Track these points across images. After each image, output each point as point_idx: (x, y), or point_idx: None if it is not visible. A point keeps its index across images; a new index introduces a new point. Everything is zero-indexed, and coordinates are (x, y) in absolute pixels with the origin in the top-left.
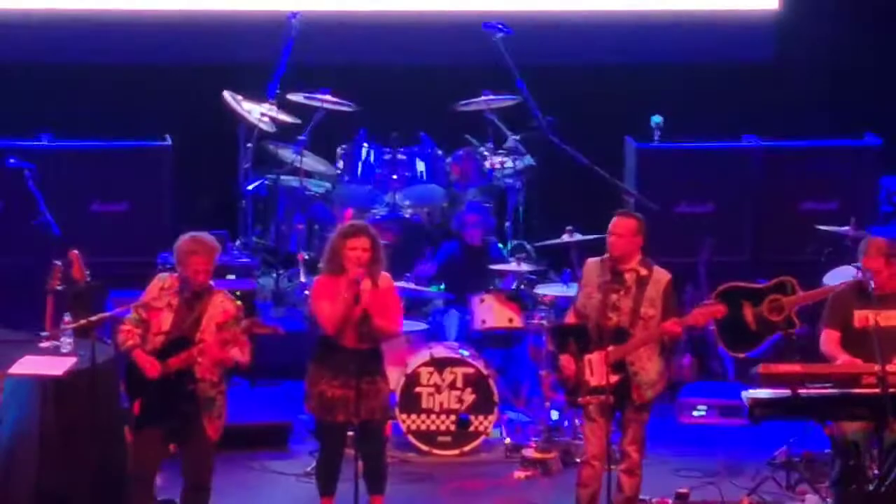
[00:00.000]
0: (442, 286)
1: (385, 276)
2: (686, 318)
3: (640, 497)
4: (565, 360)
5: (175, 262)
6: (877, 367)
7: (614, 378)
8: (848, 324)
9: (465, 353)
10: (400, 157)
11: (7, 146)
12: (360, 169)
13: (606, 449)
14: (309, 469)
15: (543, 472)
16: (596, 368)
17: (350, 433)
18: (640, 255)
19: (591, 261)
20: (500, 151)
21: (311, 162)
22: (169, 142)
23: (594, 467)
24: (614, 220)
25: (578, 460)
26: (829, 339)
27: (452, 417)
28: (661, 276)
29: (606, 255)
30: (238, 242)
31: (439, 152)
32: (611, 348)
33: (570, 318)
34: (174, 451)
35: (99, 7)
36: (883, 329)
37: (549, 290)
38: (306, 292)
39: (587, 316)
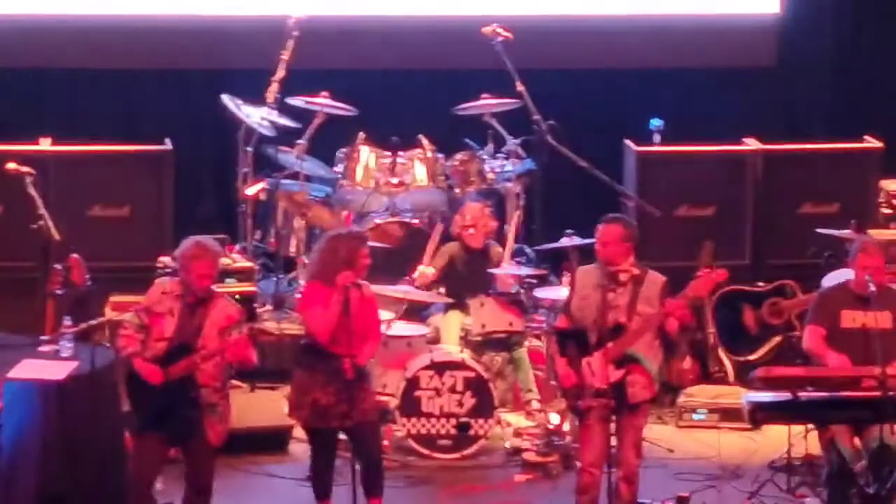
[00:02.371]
0: (441, 289)
1: (365, 284)
2: (686, 291)
3: (641, 501)
4: (565, 365)
5: (178, 266)
6: (877, 370)
7: (618, 373)
8: (835, 323)
9: (466, 356)
10: (399, 160)
11: (7, 150)
12: (359, 173)
13: (605, 454)
14: (309, 473)
15: (544, 475)
16: (597, 370)
17: (341, 437)
18: (631, 257)
19: (584, 267)
20: (500, 155)
21: (310, 166)
22: (169, 146)
23: (592, 474)
24: (600, 227)
25: (578, 464)
26: (813, 336)
27: (453, 421)
28: (657, 277)
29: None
30: (238, 246)
31: (439, 156)
32: (609, 345)
33: (561, 323)
34: (175, 456)
35: (98, 12)
36: (871, 331)
37: (549, 294)
38: None
39: (582, 319)
